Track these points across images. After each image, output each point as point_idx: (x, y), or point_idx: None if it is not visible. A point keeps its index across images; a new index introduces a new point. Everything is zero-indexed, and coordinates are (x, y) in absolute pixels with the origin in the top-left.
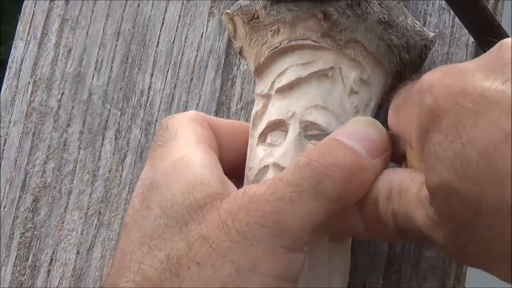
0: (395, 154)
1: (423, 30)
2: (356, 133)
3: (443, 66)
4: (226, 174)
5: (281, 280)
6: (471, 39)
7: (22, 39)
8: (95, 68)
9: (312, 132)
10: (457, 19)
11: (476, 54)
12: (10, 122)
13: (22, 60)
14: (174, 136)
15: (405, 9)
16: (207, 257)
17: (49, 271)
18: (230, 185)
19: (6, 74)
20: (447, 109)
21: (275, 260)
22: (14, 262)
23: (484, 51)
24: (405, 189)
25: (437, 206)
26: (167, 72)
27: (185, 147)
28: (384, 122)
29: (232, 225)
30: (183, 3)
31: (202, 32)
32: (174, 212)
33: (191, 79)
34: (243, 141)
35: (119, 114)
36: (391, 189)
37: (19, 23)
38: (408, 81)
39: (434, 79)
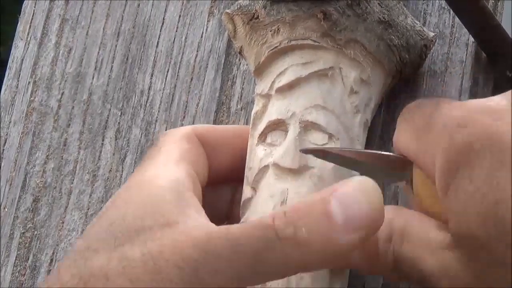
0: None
1: (423, 30)
2: (350, 199)
3: (472, 100)
4: (223, 179)
5: None
6: (471, 39)
7: (22, 39)
8: (95, 68)
9: (309, 133)
10: (457, 19)
11: (476, 54)
12: (10, 122)
13: (22, 60)
14: (157, 153)
15: (405, 8)
16: (116, 276)
17: (49, 271)
18: (194, 210)
19: (6, 74)
20: (482, 156)
21: None
22: (14, 262)
23: (484, 51)
24: (410, 233)
25: (462, 253)
26: (167, 72)
27: (161, 166)
28: (384, 122)
29: (151, 257)
30: (183, 3)
31: (202, 32)
32: (117, 231)
33: (191, 79)
34: (240, 145)
35: (119, 114)
36: (392, 230)
37: (19, 23)
38: (420, 99)
39: (469, 115)
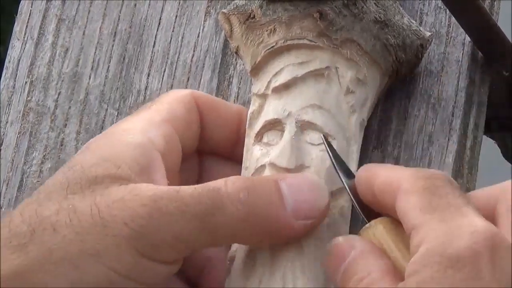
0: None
1: (419, 29)
2: (298, 186)
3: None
4: (210, 150)
5: (124, 278)
6: (468, 38)
7: (19, 39)
8: (92, 68)
9: (306, 132)
10: (453, 18)
11: (472, 53)
12: (7, 122)
13: (19, 60)
14: (146, 110)
15: (401, 8)
16: (63, 228)
17: None
18: (154, 170)
19: (3, 74)
20: None
21: (123, 258)
22: None
23: (480, 51)
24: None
25: None
26: (164, 72)
27: (141, 122)
28: (380, 121)
29: (99, 210)
30: (179, 3)
31: (199, 32)
32: (72, 178)
33: (188, 79)
34: (232, 121)
35: (116, 114)
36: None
37: (16, 23)
38: None
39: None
